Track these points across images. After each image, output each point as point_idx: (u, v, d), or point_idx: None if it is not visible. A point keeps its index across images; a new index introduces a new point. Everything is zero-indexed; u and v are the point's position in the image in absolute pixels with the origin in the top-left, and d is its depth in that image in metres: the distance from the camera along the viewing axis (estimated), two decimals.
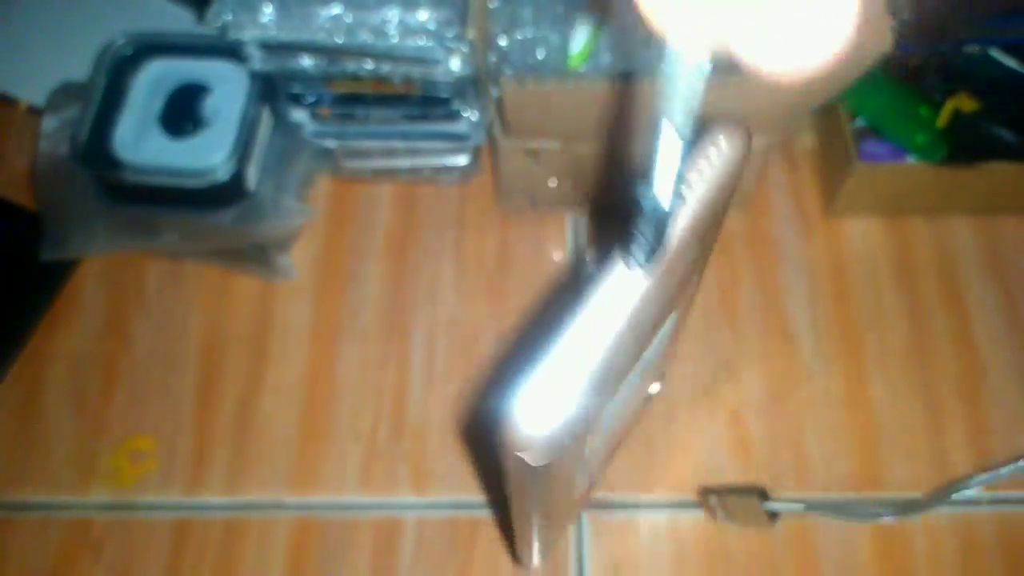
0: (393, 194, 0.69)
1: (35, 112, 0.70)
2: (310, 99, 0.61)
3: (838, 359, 0.61)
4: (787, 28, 0.13)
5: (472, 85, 0.59)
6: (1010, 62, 0.61)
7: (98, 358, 0.63)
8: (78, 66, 0.64)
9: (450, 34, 0.54)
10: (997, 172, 0.61)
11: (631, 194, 0.23)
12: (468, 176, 0.68)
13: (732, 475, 0.58)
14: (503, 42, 0.55)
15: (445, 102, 0.60)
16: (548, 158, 0.60)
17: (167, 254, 0.66)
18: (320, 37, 0.54)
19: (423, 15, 0.53)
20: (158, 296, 0.65)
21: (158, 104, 0.61)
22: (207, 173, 0.58)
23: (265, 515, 0.58)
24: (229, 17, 0.54)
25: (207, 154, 0.59)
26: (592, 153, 0.59)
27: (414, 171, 0.68)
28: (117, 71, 0.62)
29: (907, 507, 0.53)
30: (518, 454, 0.26)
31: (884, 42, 0.47)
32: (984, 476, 0.50)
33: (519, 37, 0.55)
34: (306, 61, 0.57)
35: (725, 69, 0.16)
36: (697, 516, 0.57)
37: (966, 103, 0.60)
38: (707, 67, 0.17)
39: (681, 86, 0.18)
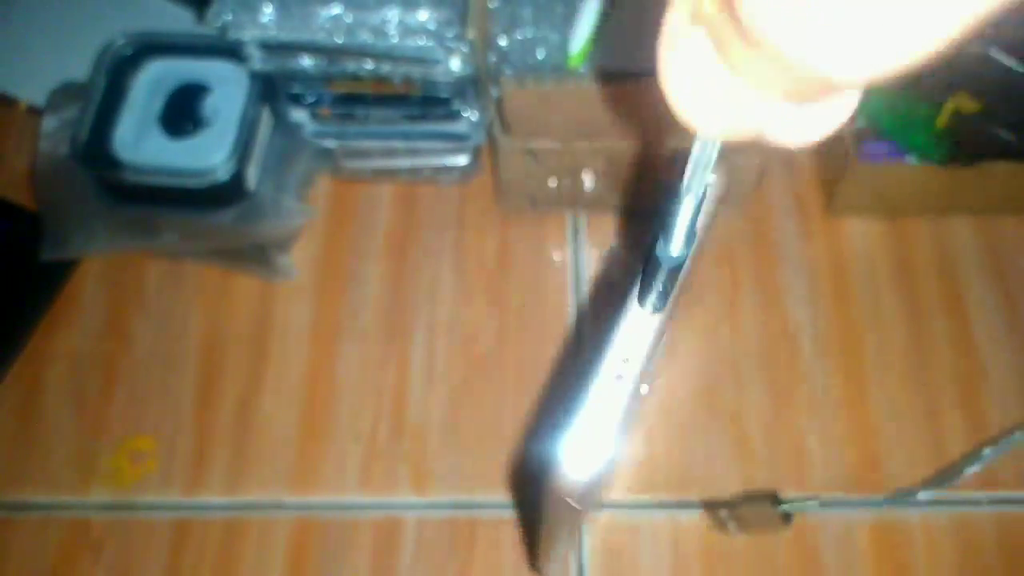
0: (393, 194, 0.69)
1: (35, 112, 0.70)
2: (310, 99, 0.61)
3: (838, 359, 0.62)
4: (803, 119, 0.15)
5: (472, 85, 0.59)
6: (1010, 62, 0.61)
7: (98, 358, 0.63)
8: (78, 66, 0.65)
9: (450, 34, 0.54)
10: (997, 172, 0.61)
11: (648, 242, 0.26)
12: (468, 176, 0.68)
13: (732, 475, 0.58)
14: (503, 42, 0.55)
15: (445, 102, 0.60)
16: (548, 158, 0.60)
17: (167, 254, 0.66)
18: (320, 37, 0.54)
19: (423, 15, 0.53)
20: (158, 296, 0.65)
21: (158, 104, 0.61)
22: (207, 173, 0.58)
23: (265, 515, 0.58)
24: (229, 17, 0.54)
25: (207, 154, 0.59)
26: (603, 153, 0.59)
27: (414, 171, 0.68)
28: (117, 71, 0.62)
29: (904, 492, 0.54)
30: (568, 500, 0.29)
31: None
32: (987, 452, 0.51)
33: (519, 37, 0.56)
34: (306, 61, 0.57)
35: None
36: (697, 516, 0.57)
37: (966, 103, 0.60)
38: (722, 144, 0.19)
39: (700, 159, 0.20)
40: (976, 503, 0.57)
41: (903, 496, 0.54)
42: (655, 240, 0.25)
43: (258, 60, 0.57)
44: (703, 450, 0.59)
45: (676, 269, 0.26)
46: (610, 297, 0.64)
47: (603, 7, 0.55)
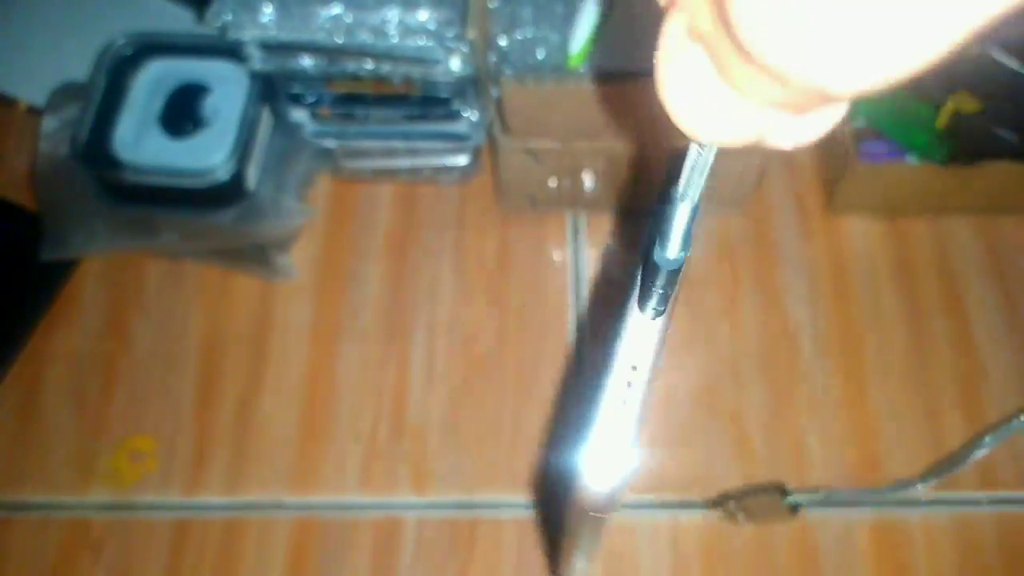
0: (393, 194, 0.69)
1: (35, 112, 0.70)
2: (310, 99, 0.61)
3: (838, 359, 0.61)
4: (800, 124, 0.16)
5: (472, 85, 0.59)
6: (1010, 62, 0.61)
7: (98, 358, 0.63)
8: (78, 66, 0.65)
9: (450, 34, 0.54)
10: (997, 172, 0.61)
11: (645, 247, 0.26)
12: (468, 176, 0.68)
13: (732, 475, 0.58)
14: (503, 42, 0.55)
15: (445, 102, 0.60)
16: (548, 158, 0.60)
17: (167, 254, 0.66)
18: (320, 37, 0.54)
19: (423, 15, 0.53)
20: (158, 296, 0.65)
21: (158, 104, 0.61)
22: (207, 173, 0.58)
23: (265, 515, 0.58)
24: (229, 17, 0.54)
25: (207, 154, 0.59)
26: (603, 153, 0.59)
27: (414, 171, 0.68)
28: (117, 71, 0.62)
29: (903, 485, 0.54)
30: (592, 513, 0.30)
31: None
32: (988, 439, 0.51)
33: (519, 37, 0.56)
34: (306, 61, 0.57)
35: None
36: (697, 516, 0.57)
37: (966, 103, 0.60)
38: (717, 150, 0.19)
39: (696, 164, 0.20)
40: (976, 503, 0.57)
41: (904, 487, 0.54)
42: (651, 244, 0.25)
43: (258, 60, 0.57)
44: (703, 450, 0.59)
45: (675, 272, 0.26)
46: (610, 297, 0.64)
47: (603, 7, 0.55)
